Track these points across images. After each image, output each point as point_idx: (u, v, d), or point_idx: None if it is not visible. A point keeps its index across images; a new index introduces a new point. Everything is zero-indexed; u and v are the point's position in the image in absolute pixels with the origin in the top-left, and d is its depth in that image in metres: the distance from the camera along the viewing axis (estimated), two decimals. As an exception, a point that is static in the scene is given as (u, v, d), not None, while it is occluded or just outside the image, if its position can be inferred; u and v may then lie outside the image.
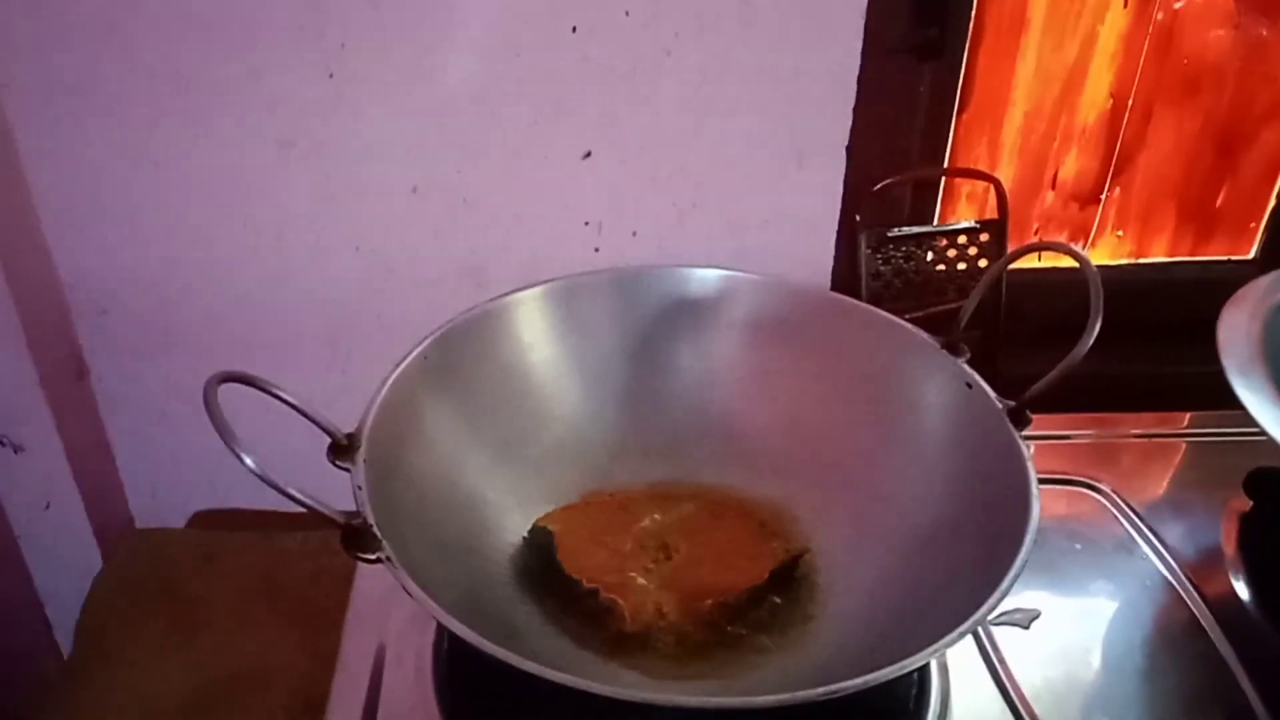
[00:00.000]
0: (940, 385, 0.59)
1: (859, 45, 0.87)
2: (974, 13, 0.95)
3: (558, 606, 0.54)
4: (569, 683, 0.40)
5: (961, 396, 0.58)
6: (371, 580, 0.64)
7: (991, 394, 0.57)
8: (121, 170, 0.88)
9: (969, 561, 0.51)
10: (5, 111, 0.84)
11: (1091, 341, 0.53)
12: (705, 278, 0.63)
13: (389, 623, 0.60)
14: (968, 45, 0.97)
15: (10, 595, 1.01)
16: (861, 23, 0.86)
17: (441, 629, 0.59)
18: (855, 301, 0.64)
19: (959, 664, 0.59)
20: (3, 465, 0.97)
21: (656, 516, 0.60)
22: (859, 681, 0.41)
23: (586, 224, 0.94)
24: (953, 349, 0.60)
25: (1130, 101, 1.04)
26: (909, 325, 0.62)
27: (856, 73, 0.89)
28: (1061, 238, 1.12)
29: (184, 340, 0.97)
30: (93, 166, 0.88)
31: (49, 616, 1.06)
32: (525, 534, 0.58)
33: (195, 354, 0.98)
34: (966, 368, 0.58)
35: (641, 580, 0.56)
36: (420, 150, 0.89)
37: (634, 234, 0.95)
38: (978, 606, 0.45)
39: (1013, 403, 0.56)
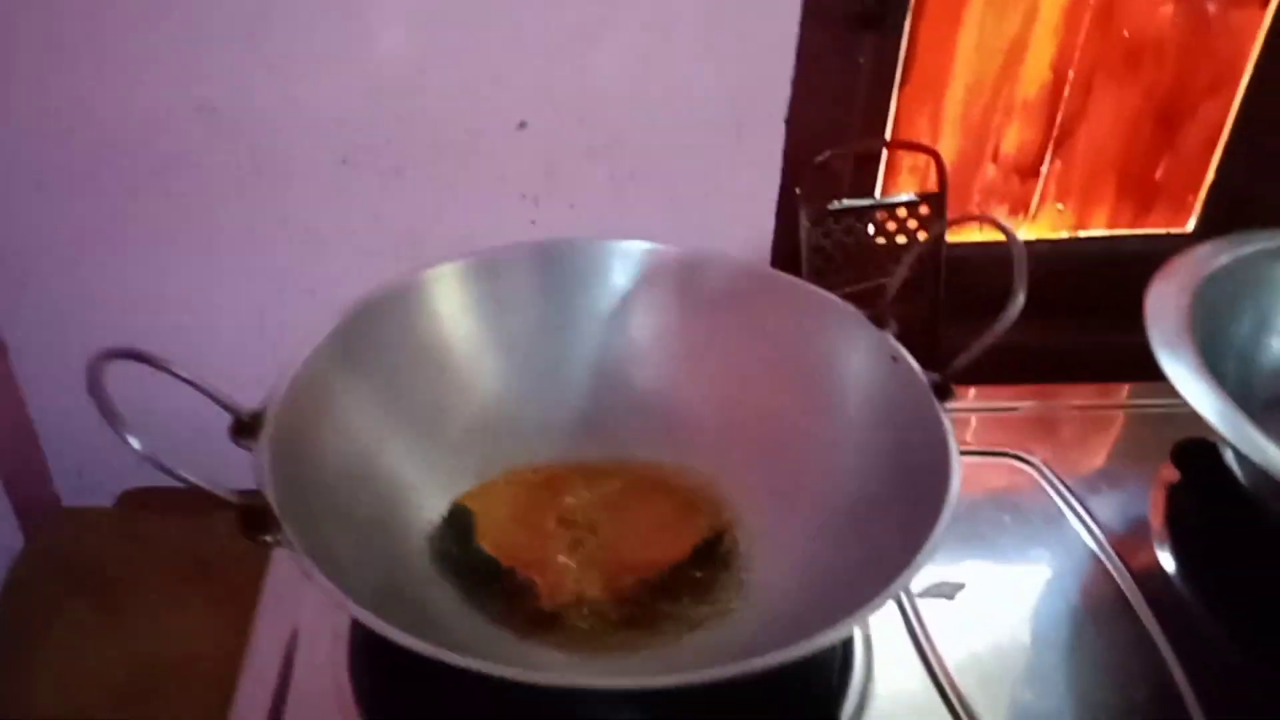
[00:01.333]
0: (867, 358, 0.58)
1: (798, 14, 0.86)
2: (915, -15, 0.95)
3: (476, 587, 0.53)
4: (468, 665, 0.39)
5: (887, 370, 0.57)
6: (287, 563, 0.62)
7: (916, 367, 0.56)
8: (37, 136, 0.85)
9: (892, 534, 0.50)
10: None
11: (1015, 315, 0.53)
12: (630, 251, 0.62)
13: (302, 607, 0.59)
14: (909, 16, 0.96)
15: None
16: (799, -9, 0.85)
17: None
18: (783, 274, 0.63)
19: (883, 638, 0.58)
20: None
21: (581, 494, 0.59)
22: (770, 659, 0.40)
23: (523, 196, 0.93)
24: (879, 321, 0.59)
25: (1071, 74, 1.04)
26: (836, 299, 0.61)
27: (795, 43, 0.88)
28: (1002, 210, 1.12)
29: (106, 315, 0.94)
30: (6, 134, 0.85)
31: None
32: (444, 514, 0.56)
33: (118, 329, 0.95)
34: (892, 340, 0.58)
35: (563, 558, 0.55)
36: (350, 120, 0.87)
37: (571, 206, 0.94)
38: (896, 576, 0.45)
39: (937, 376, 0.55)
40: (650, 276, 0.62)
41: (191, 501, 1.00)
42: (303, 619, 0.58)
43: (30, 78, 0.82)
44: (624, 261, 0.62)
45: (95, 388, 0.42)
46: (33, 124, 0.85)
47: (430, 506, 0.57)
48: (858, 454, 0.57)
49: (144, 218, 0.90)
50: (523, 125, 0.89)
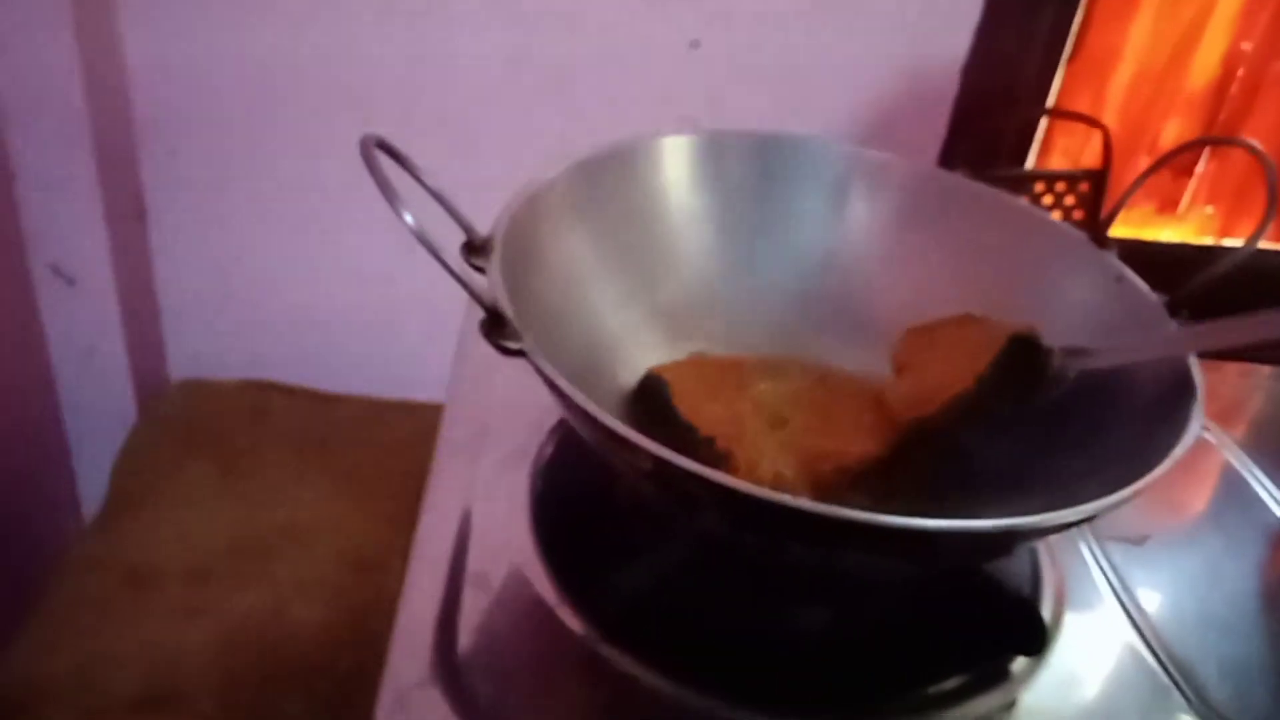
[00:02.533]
0: (1088, 279, 0.56)
1: (991, -36, 0.85)
2: (1098, -44, 0.93)
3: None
4: (721, 480, 0.37)
5: (1111, 290, 0.55)
6: (458, 429, 0.61)
7: (1144, 286, 0.54)
8: (211, 13, 0.85)
9: (1125, 446, 0.48)
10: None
11: (1262, 236, 0.51)
12: (856, 155, 0.61)
13: (477, 470, 0.57)
14: (1088, -10, 0.94)
15: (40, 437, 0.98)
16: (997, -59, 0.84)
17: (536, 471, 0.56)
18: (996, 190, 0.61)
19: (1071, 572, 0.56)
20: (53, 298, 0.94)
21: (770, 384, 0.57)
22: (1038, 519, 0.38)
23: (681, 118, 0.91)
24: (1101, 243, 0.57)
25: (1241, 72, 1.02)
26: (1058, 220, 0.59)
27: (984, -4, 0.86)
28: (1150, 207, 1.09)
29: (250, 194, 0.93)
30: (183, 6, 0.84)
31: (74, 468, 1.03)
32: (638, 379, 0.55)
33: (259, 211, 0.94)
34: (1117, 260, 0.56)
35: (760, 437, 0.53)
36: (519, 18, 0.86)
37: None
38: (1143, 471, 0.42)
39: (1167, 296, 0.53)
40: (867, 182, 0.61)
41: (304, 394, 1.00)
42: (477, 481, 0.56)
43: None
44: (846, 164, 0.60)
45: (370, 163, 0.41)
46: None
47: (626, 365, 0.56)
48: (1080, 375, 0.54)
49: (301, 100, 0.90)
50: (695, 45, 0.88)
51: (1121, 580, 0.56)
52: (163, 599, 0.69)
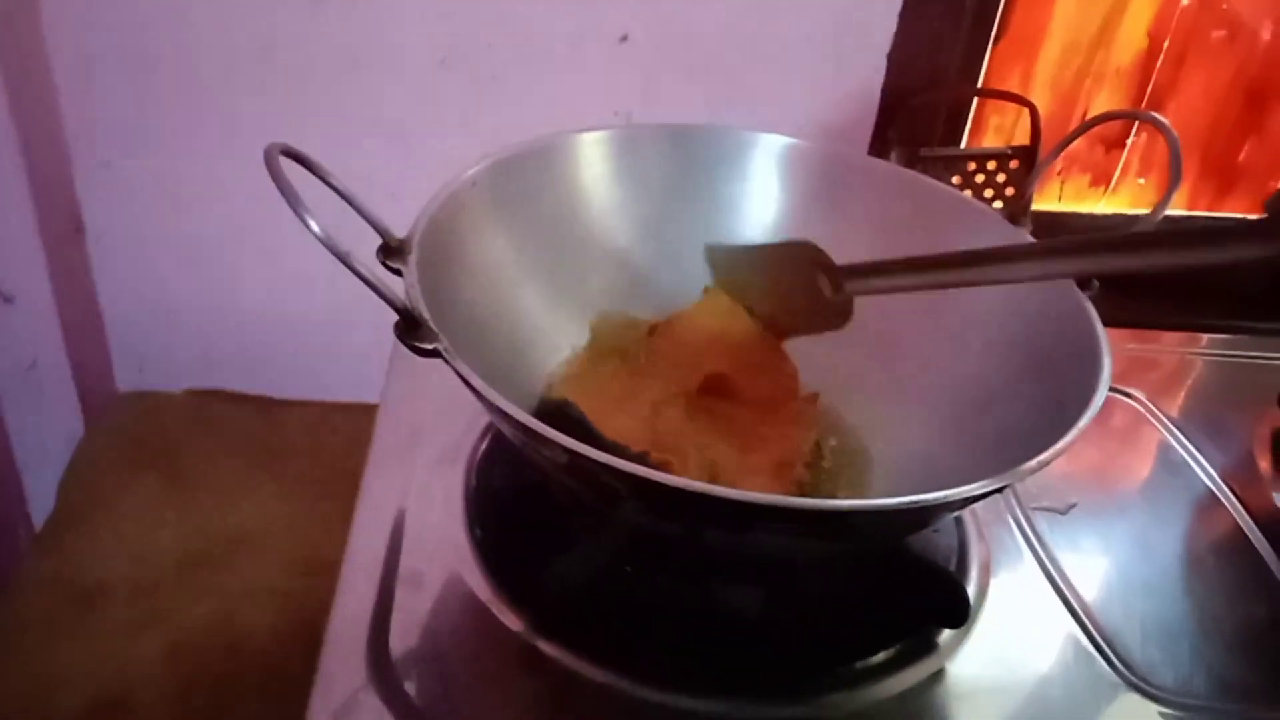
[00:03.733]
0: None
1: (912, -53, 0.86)
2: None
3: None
4: (640, 472, 0.37)
5: (1023, 266, 0.56)
6: (391, 429, 0.62)
7: (1055, 259, 0.55)
8: (137, 14, 0.84)
9: (1030, 425, 0.49)
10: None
11: (1167, 207, 0.53)
12: (766, 142, 0.62)
13: (412, 470, 0.58)
14: (1011, -33, 0.95)
15: (-13, 457, 0.98)
16: (918, -78, 0.85)
17: (470, 469, 0.57)
18: (911, 173, 0.62)
19: (997, 542, 0.58)
20: (-9, 316, 0.93)
21: (659, 381, 0.57)
22: (949, 493, 0.39)
23: (615, 113, 0.92)
24: (1015, 220, 0.58)
25: (1166, 44, 1.03)
26: (973, 199, 0.60)
27: (907, -24, 0.87)
28: (1084, 180, 1.11)
29: (188, 200, 0.93)
30: (109, 10, 0.84)
31: (23, 483, 1.03)
32: (539, 402, 0.55)
33: (198, 216, 0.94)
34: (1029, 236, 0.57)
35: (680, 440, 0.53)
36: (453, 17, 0.86)
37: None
38: (1055, 439, 0.44)
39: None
40: (778, 165, 0.62)
41: (249, 400, 1.00)
42: (412, 480, 0.56)
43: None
44: (764, 152, 0.61)
45: (275, 174, 0.41)
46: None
47: (551, 363, 0.56)
48: (989, 351, 0.56)
49: (233, 106, 0.89)
50: (624, 39, 0.88)
51: (1047, 549, 0.58)
52: (111, 614, 0.69)
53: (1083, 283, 0.53)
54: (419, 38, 0.87)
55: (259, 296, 0.99)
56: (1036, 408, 0.51)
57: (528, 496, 0.54)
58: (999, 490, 0.42)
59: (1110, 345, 0.48)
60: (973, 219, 0.59)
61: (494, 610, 0.49)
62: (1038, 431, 0.48)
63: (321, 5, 0.84)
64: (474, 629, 0.49)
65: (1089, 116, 1.07)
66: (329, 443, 0.86)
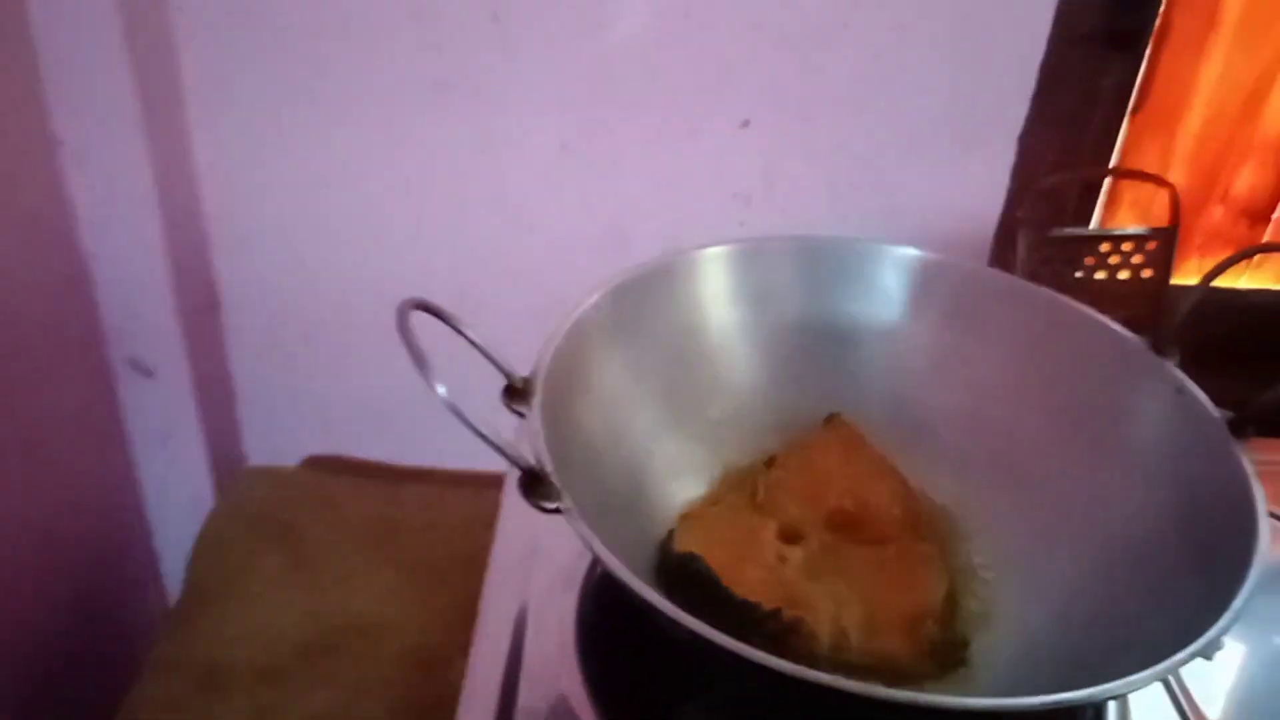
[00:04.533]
0: (1146, 389, 0.54)
1: (1047, 29, 0.83)
2: (1162, 6, 0.90)
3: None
4: (778, 666, 0.36)
5: (1170, 402, 0.53)
6: (512, 541, 0.62)
7: (1206, 401, 0.52)
8: (276, 102, 0.87)
9: (1179, 578, 0.47)
10: (173, 34, 0.83)
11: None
12: (899, 256, 0.60)
13: (530, 585, 0.58)
14: (1152, 40, 0.91)
15: (124, 525, 1.02)
16: (1054, 5, 0.82)
17: (586, 592, 0.57)
18: (1051, 293, 0.59)
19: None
20: (132, 390, 0.98)
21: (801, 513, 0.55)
22: (1087, 693, 0.37)
23: (735, 196, 0.91)
24: (1160, 350, 0.55)
25: (1320, 116, 0.98)
26: (1111, 322, 0.57)
27: (1040, 59, 0.84)
28: (1227, 254, 1.05)
29: (316, 281, 0.96)
30: (250, 97, 0.87)
31: (156, 549, 1.07)
32: (662, 550, 0.53)
33: (325, 296, 0.97)
34: (1177, 371, 0.54)
35: (810, 597, 0.51)
36: (576, 105, 0.87)
37: (783, 211, 0.92)
38: (1202, 630, 0.41)
39: (1231, 413, 0.51)
40: (918, 284, 0.60)
41: (369, 471, 1.02)
42: (530, 597, 0.57)
43: (271, 39, 0.84)
44: (894, 266, 0.60)
45: (405, 334, 0.41)
46: (273, 83, 0.87)
47: (673, 491, 0.55)
48: (1130, 493, 0.53)
49: (362, 190, 0.92)
50: (745, 124, 0.87)
51: (1189, 698, 0.54)
52: (233, 702, 0.71)
53: (1237, 427, 0.50)
54: (541, 122, 0.88)
55: (382, 367, 1.01)
56: (1186, 559, 0.48)
57: (643, 633, 0.54)
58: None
59: (1266, 512, 0.45)
60: (1114, 346, 0.56)
61: (609, 755, 0.49)
62: (1190, 586, 0.46)
63: (447, 94, 0.86)
64: (588, 771, 0.48)
65: (1236, 192, 1.03)
66: (445, 522, 0.88)
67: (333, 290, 0.96)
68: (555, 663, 0.53)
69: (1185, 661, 0.40)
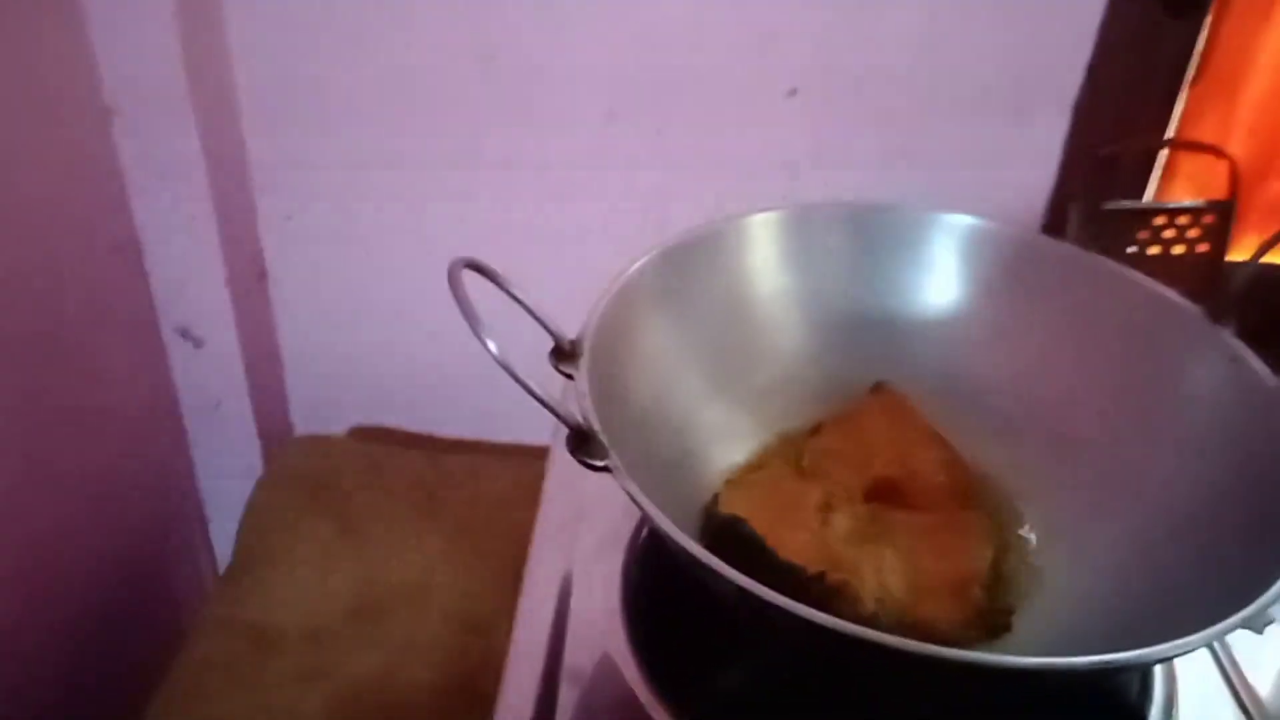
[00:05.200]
0: (1201, 357, 0.53)
1: (1106, -7, 0.81)
2: (1225, -31, 0.88)
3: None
4: (822, 620, 0.36)
5: (1226, 371, 0.52)
6: (558, 505, 0.62)
7: (1263, 368, 0.51)
8: (321, 71, 0.88)
9: (1233, 548, 0.46)
10: (223, 5, 0.84)
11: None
12: (951, 223, 0.59)
13: (575, 548, 0.58)
14: (1213, 7, 0.89)
15: (175, 491, 1.04)
16: (1112, -31, 0.80)
17: (631, 555, 0.57)
18: (1106, 260, 0.58)
19: (1185, 661, 0.54)
20: (182, 359, 0.99)
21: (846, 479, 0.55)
22: (1134, 655, 0.37)
23: (782, 165, 0.90)
24: (1216, 319, 0.54)
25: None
26: (1167, 290, 0.56)
27: (1097, 26, 0.82)
28: (1287, 229, 1.02)
29: (361, 251, 0.97)
30: (295, 67, 0.88)
31: (206, 516, 1.09)
32: (707, 513, 0.53)
33: (370, 266, 0.97)
34: (1233, 340, 0.53)
35: (858, 563, 0.50)
36: (620, 74, 0.87)
37: (828, 182, 0.91)
38: (1252, 599, 0.40)
39: (1290, 382, 0.50)
40: (964, 250, 0.59)
41: (414, 442, 1.03)
42: (574, 561, 0.57)
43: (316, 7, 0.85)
44: (944, 233, 0.59)
45: (457, 291, 0.42)
46: (317, 54, 0.87)
47: (715, 460, 0.55)
48: (1185, 462, 0.52)
49: (408, 161, 0.92)
50: (793, 92, 0.87)
51: (1240, 673, 0.53)
52: (283, 663, 0.73)
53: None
54: (587, 92, 0.88)
55: (427, 338, 1.02)
56: (1240, 530, 0.47)
57: (688, 594, 0.54)
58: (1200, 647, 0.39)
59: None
60: (1171, 316, 0.55)
61: (651, 713, 0.49)
62: (1243, 557, 0.45)
63: (492, 64, 0.86)
64: (633, 730, 0.48)
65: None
66: (489, 491, 0.88)
67: (379, 261, 0.97)
68: (601, 624, 0.53)
69: (1232, 629, 0.39)
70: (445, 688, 0.71)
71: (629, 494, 0.42)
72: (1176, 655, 0.38)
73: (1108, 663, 0.37)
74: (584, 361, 0.47)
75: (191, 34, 0.84)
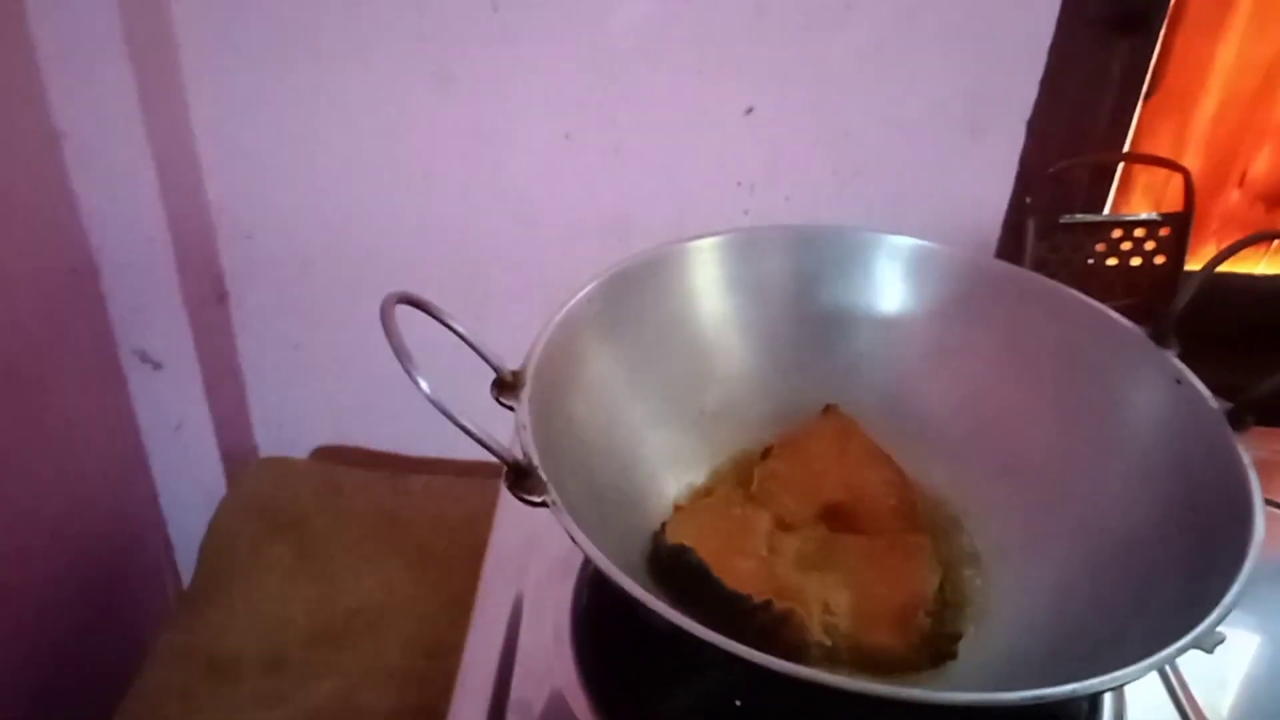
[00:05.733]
0: (1145, 379, 0.54)
1: (1055, 12, 0.81)
2: (1178, -14, 0.88)
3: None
4: (764, 661, 0.36)
5: (1169, 393, 0.52)
6: (509, 531, 0.62)
7: (1205, 392, 0.51)
8: (278, 93, 0.87)
9: (1174, 571, 0.46)
10: (171, 25, 0.83)
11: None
12: (893, 245, 0.59)
13: (526, 575, 0.58)
14: (1166, 22, 0.89)
15: (137, 514, 1.03)
16: (1062, -14, 0.80)
17: (581, 583, 0.57)
18: (1052, 282, 0.59)
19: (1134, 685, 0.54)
20: (141, 382, 0.98)
21: (789, 513, 0.55)
22: (1071, 689, 0.37)
23: (739, 184, 0.90)
24: (1161, 340, 0.54)
25: (1338, 97, 0.96)
26: (1111, 311, 0.56)
27: (1049, 43, 0.83)
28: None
29: (323, 272, 0.96)
30: (250, 87, 0.87)
31: (170, 538, 1.08)
32: (655, 541, 0.52)
33: (331, 286, 0.97)
34: (1176, 361, 0.53)
35: (801, 589, 0.50)
36: (577, 95, 0.87)
37: (787, 198, 0.91)
38: (1191, 616, 0.41)
39: (1229, 404, 0.50)
40: (907, 272, 0.59)
41: (379, 460, 1.03)
42: (526, 587, 0.57)
43: (271, 29, 0.84)
44: (889, 255, 0.59)
45: (389, 326, 0.41)
46: (274, 77, 0.87)
47: (658, 492, 0.55)
48: (1128, 484, 0.52)
49: (369, 181, 0.92)
50: (749, 111, 0.87)
51: (1188, 692, 0.54)
52: (240, 689, 0.72)
53: (1236, 418, 0.49)
54: (544, 112, 0.88)
55: (390, 358, 1.02)
56: (1181, 552, 0.47)
57: (637, 623, 0.54)
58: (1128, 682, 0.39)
59: (1263, 503, 0.45)
60: (1115, 338, 0.55)
61: (601, 748, 0.49)
62: (1184, 579, 0.45)
63: (449, 86, 0.86)
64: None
65: (1254, 174, 1.01)
66: (451, 513, 0.88)
67: (339, 282, 0.96)
68: (550, 653, 0.53)
69: (1174, 656, 0.40)
70: (404, 713, 0.71)
71: (566, 530, 0.42)
72: (1116, 686, 0.39)
73: (1042, 697, 0.37)
74: (525, 393, 0.47)
75: (141, 55, 0.84)
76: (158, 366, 0.97)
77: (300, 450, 1.05)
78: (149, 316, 0.95)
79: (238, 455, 1.04)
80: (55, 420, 0.89)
